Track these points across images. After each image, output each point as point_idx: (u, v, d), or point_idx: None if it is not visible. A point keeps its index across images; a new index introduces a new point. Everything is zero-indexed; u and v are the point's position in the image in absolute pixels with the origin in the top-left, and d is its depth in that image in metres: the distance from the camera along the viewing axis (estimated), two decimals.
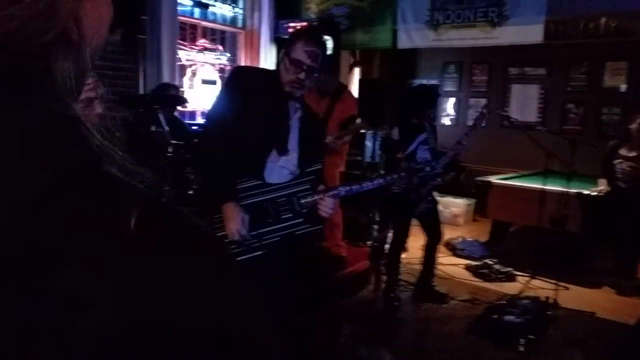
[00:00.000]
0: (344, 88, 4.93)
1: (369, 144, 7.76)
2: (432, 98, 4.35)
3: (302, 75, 2.25)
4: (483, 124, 4.24)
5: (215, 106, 2.42)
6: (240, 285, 0.44)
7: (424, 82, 9.22)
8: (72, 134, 0.38)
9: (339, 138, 4.35)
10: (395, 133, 4.16)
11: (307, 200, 2.26)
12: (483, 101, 8.68)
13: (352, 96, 4.87)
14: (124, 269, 0.36)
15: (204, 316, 0.38)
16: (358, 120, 4.57)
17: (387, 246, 5.26)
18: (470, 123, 4.23)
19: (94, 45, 0.41)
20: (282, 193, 2.28)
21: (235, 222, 2.16)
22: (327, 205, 2.24)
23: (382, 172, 5.12)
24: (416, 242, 4.65)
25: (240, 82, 2.40)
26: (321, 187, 2.31)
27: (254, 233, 2.23)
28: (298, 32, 2.37)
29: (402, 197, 4.10)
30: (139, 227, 0.37)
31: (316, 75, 2.35)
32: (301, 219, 2.26)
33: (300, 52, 2.24)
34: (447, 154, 4.13)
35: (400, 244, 4.40)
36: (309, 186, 2.32)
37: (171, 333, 0.36)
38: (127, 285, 0.35)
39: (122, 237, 0.36)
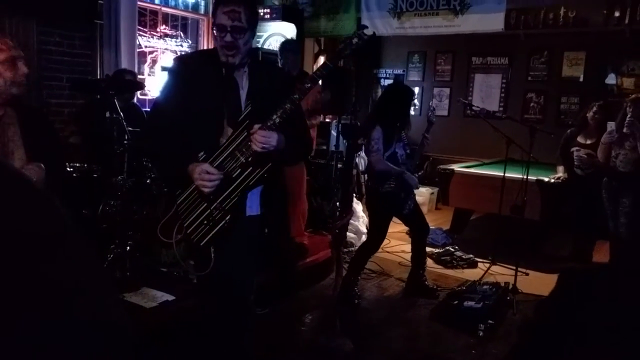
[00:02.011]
0: (306, 75, 4.89)
1: (333, 132, 7.75)
2: (412, 97, 4.37)
3: (227, 38, 2.16)
4: (434, 119, 4.34)
5: (158, 97, 2.39)
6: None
7: (388, 72, 9.28)
8: None
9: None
10: (378, 133, 3.98)
11: (248, 144, 2.16)
12: (447, 90, 8.76)
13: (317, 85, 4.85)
14: None
15: None
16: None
17: (349, 234, 5.28)
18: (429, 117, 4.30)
19: None
20: (226, 154, 2.22)
21: (197, 177, 2.14)
22: (257, 139, 2.12)
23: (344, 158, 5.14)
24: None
25: (179, 67, 2.35)
26: (256, 126, 2.16)
27: (216, 204, 2.20)
28: (217, 0, 2.29)
29: (393, 195, 4.05)
30: None
31: (250, 32, 2.23)
32: (249, 168, 2.19)
33: (220, 16, 2.18)
34: (418, 150, 4.24)
35: (377, 245, 4.29)
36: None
37: None
38: None
39: None
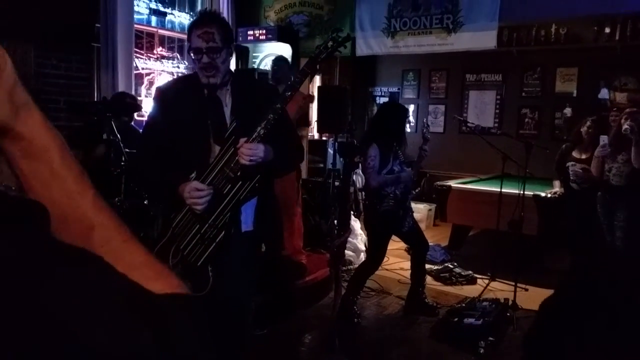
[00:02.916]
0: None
1: (330, 150, 7.78)
2: (406, 115, 4.41)
3: (204, 59, 2.21)
4: (429, 136, 4.34)
5: (145, 124, 2.46)
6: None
7: (384, 90, 9.34)
8: None
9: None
10: (374, 150, 4.00)
11: (236, 159, 2.18)
12: (442, 108, 8.82)
13: (300, 92, 4.93)
14: None
15: None
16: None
17: (348, 252, 5.27)
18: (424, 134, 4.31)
19: None
20: (216, 171, 2.24)
21: (187, 196, 2.16)
22: (243, 152, 2.14)
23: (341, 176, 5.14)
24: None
25: (162, 94, 2.41)
26: (241, 140, 2.18)
27: (209, 223, 2.21)
28: (190, 24, 2.35)
29: (392, 214, 4.05)
30: None
31: (226, 50, 2.27)
32: (239, 183, 2.21)
33: (195, 39, 2.23)
34: (414, 166, 4.24)
35: (377, 264, 4.27)
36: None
37: None
38: None
39: None
